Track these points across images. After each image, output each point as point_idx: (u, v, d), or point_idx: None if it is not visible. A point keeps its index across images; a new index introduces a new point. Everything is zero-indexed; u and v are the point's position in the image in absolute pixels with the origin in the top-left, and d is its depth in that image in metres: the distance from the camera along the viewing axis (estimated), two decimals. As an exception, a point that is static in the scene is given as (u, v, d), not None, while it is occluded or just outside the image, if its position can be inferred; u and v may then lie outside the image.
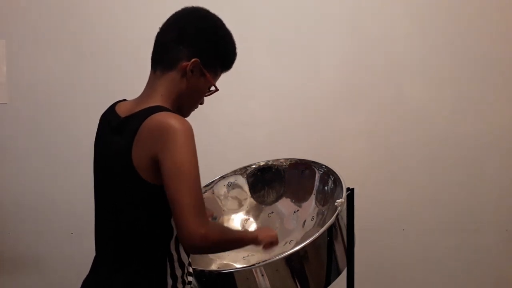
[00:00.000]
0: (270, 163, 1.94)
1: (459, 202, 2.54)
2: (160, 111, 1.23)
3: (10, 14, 2.42)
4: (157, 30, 1.36)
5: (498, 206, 2.55)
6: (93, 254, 1.42)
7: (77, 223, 2.46)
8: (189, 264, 1.39)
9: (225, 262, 1.74)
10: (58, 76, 2.44)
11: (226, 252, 1.76)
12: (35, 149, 2.46)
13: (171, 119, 1.20)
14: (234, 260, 1.73)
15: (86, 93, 2.45)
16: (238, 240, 1.40)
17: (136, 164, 1.22)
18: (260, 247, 1.52)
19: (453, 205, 2.54)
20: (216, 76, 1.38)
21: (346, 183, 1.66)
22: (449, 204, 2.54)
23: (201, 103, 1.41)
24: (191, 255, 1.40)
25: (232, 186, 1.93)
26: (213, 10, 1.38)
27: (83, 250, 2.42)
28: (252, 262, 1.63)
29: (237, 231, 1.47)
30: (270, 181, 1.93)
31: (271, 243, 1.48)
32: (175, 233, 1.29)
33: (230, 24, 1.38)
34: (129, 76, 2.41)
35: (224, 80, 1.41)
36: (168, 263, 1.30)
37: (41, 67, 2.44)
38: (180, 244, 1.32)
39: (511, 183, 2.55)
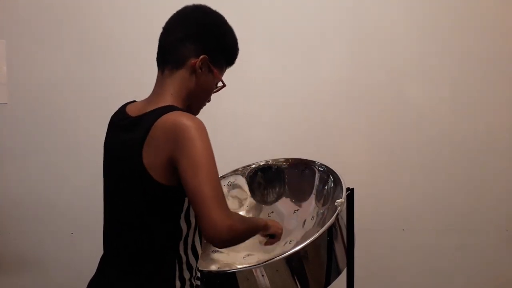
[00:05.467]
0: (270, 163, 1.94)
1: (459, 202, 2.54)
2: (172, 110, 1.23)
3: (10, 14, 2.42)
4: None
5: (498, 206, 2.55)
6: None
7: (77, 223, 2.46)
8: (198, 269, 1.37)
9: (225, 262, 1.74)
10: (58, 76, 2.44)
11: (225, 252, 1.77)
12: (35, 149, 2.46)
13: (184, 118, 1.20)
14: (234, 260, 1.73)
15: (86, 93, 2.45)
16: (255, 228, 1.38)
17: (146, 163, 1.21)
18: (263, 243, 1.53)
19: (453, 205, 2.54)
20: (222, 71, 1.39)
21: (346, 183, 1.66)
22: (449, 204, 2.54)
23: (208, 101, 1.42)
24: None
25: (232, 185, 1.93)
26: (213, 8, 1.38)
27: (83, 250, 2.44)
28: (252, 262, 1.63)
29: (253, 219, 1.50)
30: (270, 181, 1.94)
31: (276, 235, 1.51)
32: (184, 234, 1.28)
33: (230, 23, 1.39)
34: (129, 76, 2.42)
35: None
36: (177, 265, 1.29)
37: (41, 67, 2.43)
38: (188, 247, 1.30)
39: (511, 183, 2.55)
